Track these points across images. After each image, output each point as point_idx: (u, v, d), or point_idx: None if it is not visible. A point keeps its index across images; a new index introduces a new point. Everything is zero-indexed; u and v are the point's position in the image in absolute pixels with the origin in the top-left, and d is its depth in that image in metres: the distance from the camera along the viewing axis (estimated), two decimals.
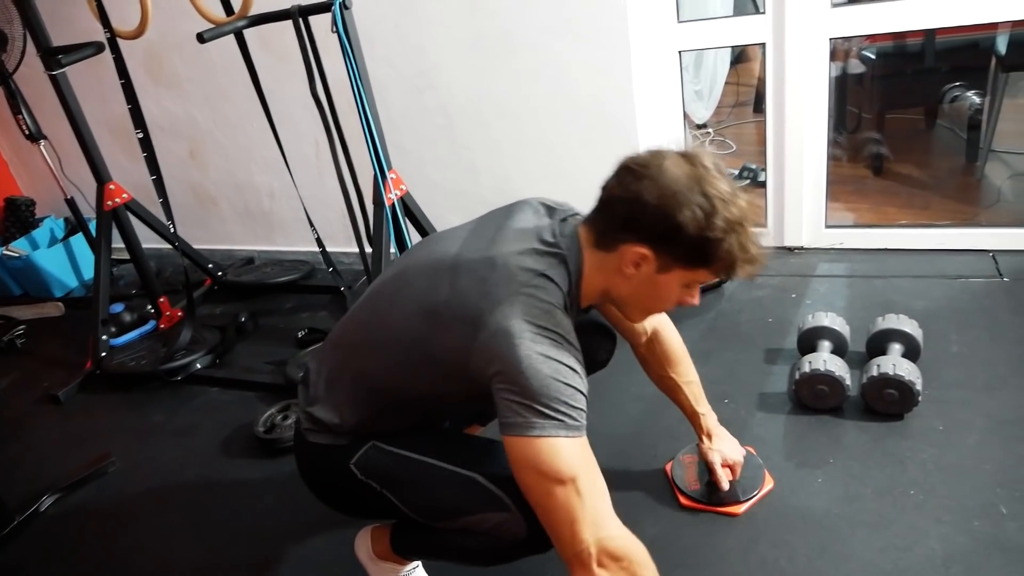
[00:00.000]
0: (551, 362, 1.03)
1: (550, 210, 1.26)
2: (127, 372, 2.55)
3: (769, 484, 1.68)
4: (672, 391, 1.63)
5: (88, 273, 3.51)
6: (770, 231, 2.69)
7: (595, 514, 1.02)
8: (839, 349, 1.96)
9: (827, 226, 2.62)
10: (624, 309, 1.25)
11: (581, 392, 1.06)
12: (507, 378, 1.03)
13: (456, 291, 1.12)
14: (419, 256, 1.27)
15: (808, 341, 1.99)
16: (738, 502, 1.63)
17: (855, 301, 2.33)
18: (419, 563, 1.51)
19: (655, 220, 1.07)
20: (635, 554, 1.05)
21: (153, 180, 2.36)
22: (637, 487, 1.72)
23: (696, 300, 1.21)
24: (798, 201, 2.58)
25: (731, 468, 1.67)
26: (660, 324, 1.55)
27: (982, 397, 1.82)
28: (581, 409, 1.05)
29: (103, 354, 2.63)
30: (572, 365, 1.06)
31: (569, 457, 1.02)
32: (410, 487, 1.26)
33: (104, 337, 2.66)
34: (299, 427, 1.34)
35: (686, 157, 1.10)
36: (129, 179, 2.78)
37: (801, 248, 2.67)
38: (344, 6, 1.99)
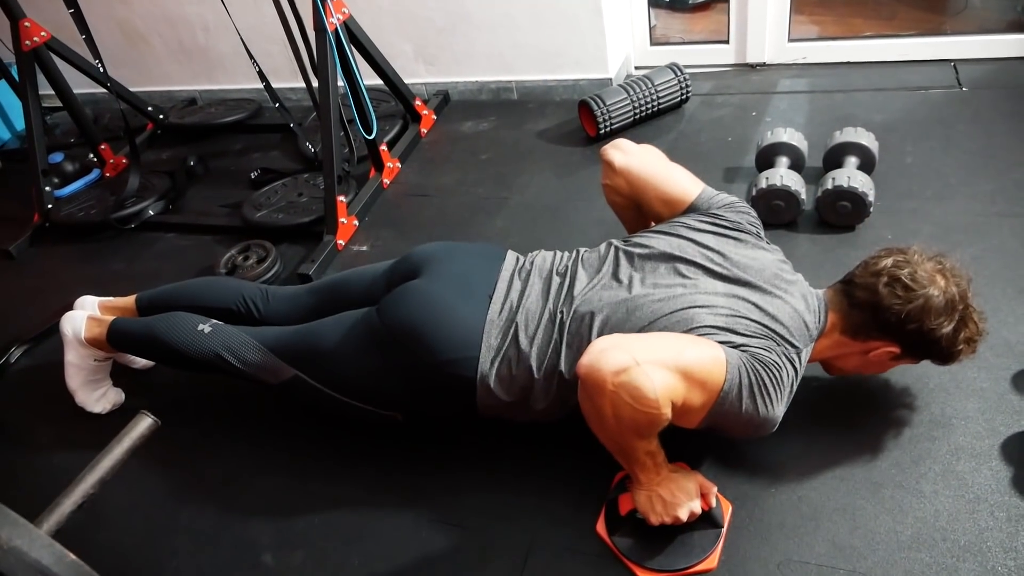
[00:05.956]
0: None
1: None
2: (77, 222, 2.49)
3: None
4: None
5: (19, 124, 3.29)
6: (732, 47, 2.61)
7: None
8: (796, 164, 1.96)
9: (790, 40, 2.54)
10: (836, 369, 1.39)
11: None
12: None
13: None
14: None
15: (766, 157, 1.99)
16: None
17: (815, 116, 2.30)
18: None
19: (918, 336, 1.22)
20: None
21: (71, 14, 2.18)
22: None
23: None
24: (762, 14, 2.48)
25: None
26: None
27: (931, 206, 1.87)
28: None
29: (49, 206, 2.54)
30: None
31: None
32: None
33: (47, 188, 2.56)
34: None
35: (945, 274, 1.22)
36: (46, 17, 2.54)
37: (763, 64, 2.60)
38: None
